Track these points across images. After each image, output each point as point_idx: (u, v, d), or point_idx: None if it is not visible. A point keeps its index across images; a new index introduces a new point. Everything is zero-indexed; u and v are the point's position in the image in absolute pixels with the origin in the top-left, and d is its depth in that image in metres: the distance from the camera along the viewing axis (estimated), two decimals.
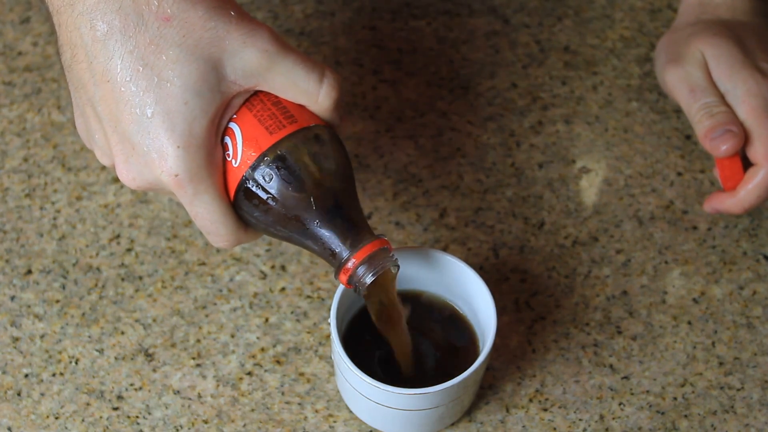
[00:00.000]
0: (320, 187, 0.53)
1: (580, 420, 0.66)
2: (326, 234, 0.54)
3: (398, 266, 0.56)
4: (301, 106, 0.55)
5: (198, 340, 0.68)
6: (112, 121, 0.53)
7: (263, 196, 0.53)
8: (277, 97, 0.55)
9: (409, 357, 0.61)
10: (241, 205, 0.55)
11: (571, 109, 0.79)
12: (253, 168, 0.53)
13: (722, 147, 0.68)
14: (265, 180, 0.53)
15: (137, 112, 0.52)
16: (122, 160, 0.54)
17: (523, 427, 0.66)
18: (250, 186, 0.54)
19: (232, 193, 0.54)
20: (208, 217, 0.54)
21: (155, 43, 0.51)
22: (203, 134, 0.52)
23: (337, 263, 0.55)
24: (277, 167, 0.53)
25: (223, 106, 0.53)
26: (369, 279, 0.55)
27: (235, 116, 0.54)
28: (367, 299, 0.57)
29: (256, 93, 0.55)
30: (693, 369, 0.68)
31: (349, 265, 0.54)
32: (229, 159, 0.54)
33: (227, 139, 0.54)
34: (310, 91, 0.54)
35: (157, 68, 0.51)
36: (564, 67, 0.81)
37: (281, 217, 0.54)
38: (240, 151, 0.53)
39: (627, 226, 0.74)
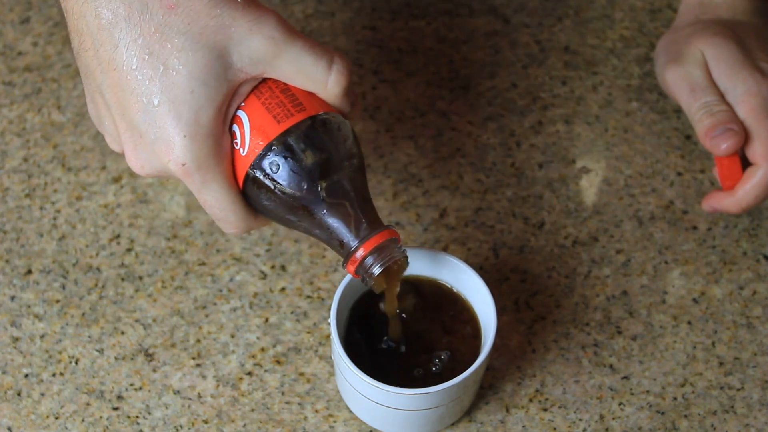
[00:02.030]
0: (328, 177, 0.53)
1: (580, 420, 0.66)
2: (334, 223, 0.54)
3: (407, 257, 0.56)
4: (310, 94, 0.55)
5: (198, 340, 0.68)
6: (120, 108, 0.53)
7: (271, 185, 0.53)
8: (285, 84, 0.54)
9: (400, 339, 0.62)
10: (250, 193, 0.54)
11: (571, 109, 0.79)
12: (261, 157, 0.53)
13: (722, 145, 0.68)
14: (272, 169, 0.53)
15: (144, 100, 0.52)
16: (131, 147, 0.54)
17: (523, 427, 0.66)
18: (257, 175, 0.53)
19: (240, 181, 0.54)
20: (217, 204, 0.55)
21: (160, 31, 0.51)
22: (210, 123, 0.52)
23: (345, 252, 0.54)
24: (284, 157, 0.53)
25: (230, 94, 0.53)
26: (377, 270, 0.54)
27: (243, 104, 0.54)
28: (374, 289, 0.57)
29: (265, 80, 0.54)
30: (693, 369, 0.68)
31: (358, 255, 0.54)
32: (237, 147, 0.54)
33: (235, 127, 0.54)
34: (319, 78, 0.54)
35: (163, 57, 0.51)
36: (564, 67, 0.81)
37: (289, 206, 0.54)
38: (248, 139, 0.53)
39: (627, 226, 0.74)
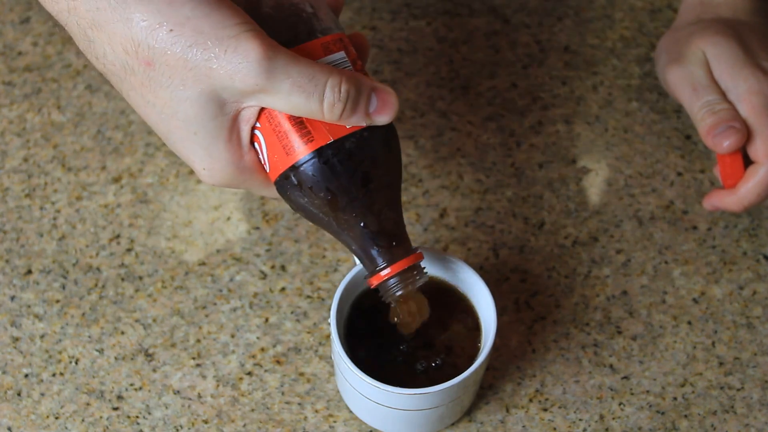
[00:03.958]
0: (340, 209, 0.53)
1: (580, 420, 0.66)
2: (356, 241, 0.54)
3: (426, 280, 0.57)
4: None
5: (198, 340, 0.68)
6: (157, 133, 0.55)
7: (294, 205, 0.54)
8: None
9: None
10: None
11: (571, 109, 0.79)
12: (278, 183, 0.54)
13: (725, 143, 0.68)
14: (290, 196, 0.54)
15: (163, 136, 0.53)
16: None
17: (523, 427, 0.66)
18: (282, 193, 0.54)
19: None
20: (262, 194, 0.57)
21: (147, 85, 0.51)
22: (223, 154, 0.52)
23: (370, 268, 0.55)
24: (296, 189, 0.53)
25: (237, 122, 0.52)
26: (398, 292, 0.55)
27: (258, 125, 0.53)
28: (388, 303, 0.58)
29: None
30: (693, 369, 0.68)
31: (383, 273, 0.55)
32: (262, 162, 0.54)
33: (256, 145, 0.53)
34: (314, 111, 0.51)
35: (159, 105, 0.51)
36: (564, 67, 0.81)
37: (314, 221, 0.55)
38: (266, 162, 0.53)
39: (627, 226, 0.74)
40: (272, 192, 0.56)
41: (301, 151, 0.52)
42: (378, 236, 0.54)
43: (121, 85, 0.52)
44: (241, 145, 0.53)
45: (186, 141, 0.52)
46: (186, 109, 0.51)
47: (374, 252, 0.54)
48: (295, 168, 0.52)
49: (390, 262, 0.54)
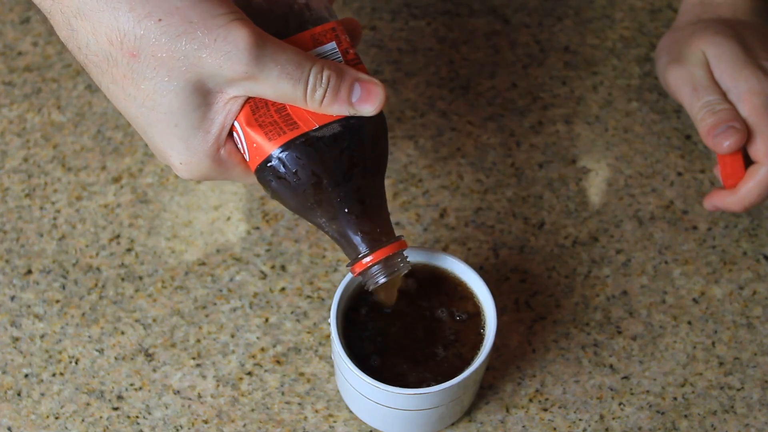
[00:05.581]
0: (323, 194, 0.53)
1: (580, 420, 0.66)
2: (338, 227, 0.54)
3: (409, 268, 0.57)
4: None
5: (198, 340, 0.68)
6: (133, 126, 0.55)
7: (275, 193, 0.54)
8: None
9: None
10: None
11: (571, 109, 0.79)
12: (259, 171, 0.53)
13: (725, 143, 0.68)
14: (270, 183, 0.53)
15: (140, 130, 0.53)
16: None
17: (523, 427, 0.66)
18: (263, 180, 0.54)
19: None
20: (242, 182, 0.57)
21: (129, 77, 0.50)
22: (201, 147, 0.52)
23: (353, 256, 0.55)
24: (277, 176, 0.53)
25: (219, 113, 0.52)
26: (381, 279, 0.55)
27: (238, 116, 0.53)
28: (371, 292, 0.58)
29: None
30: (693, 369, 0.68)
31: (365, 260, 0.54)
32: (242, 152, 0.54)
33: (236, 136, 0.53)
34: (299, 98, 0.51)
35: (140, 98, 0.51)
36: (564, 67, 0.81)
37: (295, 209, 0.55)
38: (246, 151, 0.53)
39: (627, 226, 0.74)
40: (251, 179, 0.56)
41: (286, 136, 0.52)
42: (361, 222, 0.54)
43: (102, 78, 0.52)
44: (220, 137, 0.53)
45: (165, 134, 0.52)
46: (170, 100, 0.50)
47: (357, 239, 0.54)
48: (279, 153, 0.52)
49: (372, 249, 0.54)
